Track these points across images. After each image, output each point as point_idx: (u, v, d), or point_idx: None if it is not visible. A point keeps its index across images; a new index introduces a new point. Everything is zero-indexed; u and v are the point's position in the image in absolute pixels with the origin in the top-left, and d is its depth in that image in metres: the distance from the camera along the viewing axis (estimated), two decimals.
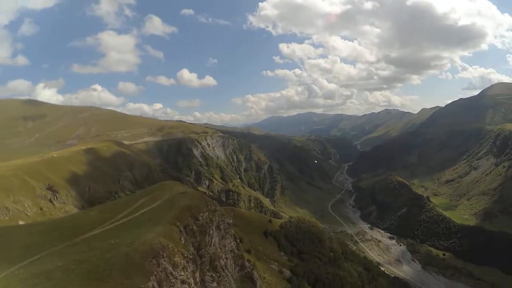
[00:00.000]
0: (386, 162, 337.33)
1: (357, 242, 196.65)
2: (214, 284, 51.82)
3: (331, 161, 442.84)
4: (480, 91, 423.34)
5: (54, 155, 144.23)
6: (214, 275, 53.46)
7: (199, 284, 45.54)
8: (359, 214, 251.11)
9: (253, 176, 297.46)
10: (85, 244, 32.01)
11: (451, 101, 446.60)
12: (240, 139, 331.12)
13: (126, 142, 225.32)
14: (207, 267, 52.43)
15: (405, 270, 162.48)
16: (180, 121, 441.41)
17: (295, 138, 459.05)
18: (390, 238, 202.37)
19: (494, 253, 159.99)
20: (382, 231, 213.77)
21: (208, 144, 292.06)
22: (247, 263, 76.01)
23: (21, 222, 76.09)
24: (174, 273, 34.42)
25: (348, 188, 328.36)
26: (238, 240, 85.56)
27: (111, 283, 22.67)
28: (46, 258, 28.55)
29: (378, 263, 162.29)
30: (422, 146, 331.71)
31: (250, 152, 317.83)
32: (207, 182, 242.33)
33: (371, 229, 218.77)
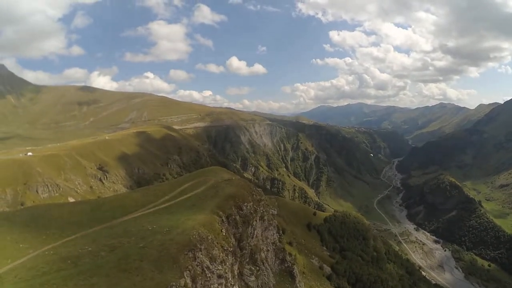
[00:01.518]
0: (438, 160, 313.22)
1: (401, 242, 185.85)
2: (253, 278, 49.41)
3: (381, 155, 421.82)
4: None
5: (107, 137, 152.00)
6: (253, 268, 51.05)
7: (236, 277, 43.29)
8: (405, 213, 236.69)
9: (299, 165, 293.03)
10: (121, 228, 30.97)
11: (511, 98, 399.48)
12: (288, 128, 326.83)
13: (176, 127, 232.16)
14: (247, 260, 50.09)
15: (447, 278, 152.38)
16: (229, 108, 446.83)
17: (344, 129, 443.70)
18: (435, 241, 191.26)
19: None
20: (428, 234, 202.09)
21: (255, 131, 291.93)
22: (288, 257, 72.86)
23: (70, 199, 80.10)
24: (211, 267, 32.17)
25: (396, 184, 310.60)
26: (281, 232, 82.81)
27: (140, 277, 20.75)
28: (80, 240, 27.81)
29: (420, 267, 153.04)
30: (478, 145, 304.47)
31: (297, 141, 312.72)
32: (253, 169, 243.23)
33: (416, 230, 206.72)
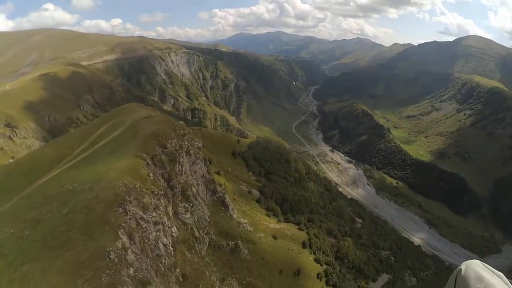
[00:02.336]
0: (352, 90, 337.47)
1: (318, 162, 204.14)
2: (188, 215, 48.74)
3: (298, 83, 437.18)
4: (455, 38, 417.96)
5: (8, 88, 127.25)
6: (187, 205, 50.13)
7: (172, 218, 41.74)
8: (321, 137, 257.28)
9: (219, 94, 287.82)
10: (40, 194, 25.84)
11: (424, 42, 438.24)
12: (206, 56, 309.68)
13: (84, 63, 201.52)
14: (179, 198, 48.64)
15: (360, 193, 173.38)
16: (142, 37, 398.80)
17: (263, 57, 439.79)
18: (349, 161, 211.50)
19: (444, 191, 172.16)
20: (342, 155, 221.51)
21: (172, 61, 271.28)
22: (218, 187, 73.99)
23: None
24: (145, 216, 29.66)
25: (313, 110, 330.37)
26: (208, 163, 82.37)
27: (72, 251, 17.32)
28: None
29: (336, 184, 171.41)
30: (389, 79, 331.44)
31: (216, 69, 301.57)
32: (172, 101, 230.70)
33: (331, 151, 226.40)
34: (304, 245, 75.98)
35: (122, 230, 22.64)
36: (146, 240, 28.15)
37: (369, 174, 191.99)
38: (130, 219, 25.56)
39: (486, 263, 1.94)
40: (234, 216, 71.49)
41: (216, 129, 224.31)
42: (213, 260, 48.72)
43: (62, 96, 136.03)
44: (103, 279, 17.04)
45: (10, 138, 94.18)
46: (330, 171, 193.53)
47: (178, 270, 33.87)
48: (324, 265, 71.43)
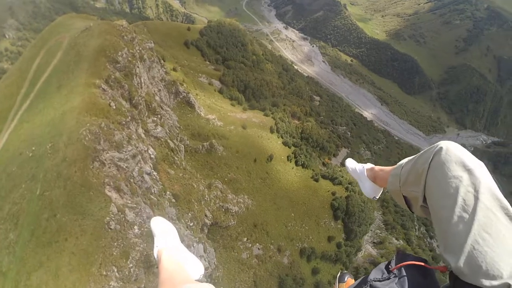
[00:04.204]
0: None
1: (272, 41, 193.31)
2: (159, 129, 45.95)
3: None
4: None
5: None
6: (155, 118, 46.68)
7: (145, 139, 39.00)
8: (274, 13, 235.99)
9: None
10: (3, 174, 20.69)
11: None
12: None
13: None
14: (146, 114, 44.60)
15: (316, 70, 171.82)
16: None
17: None
18: (304, 38, 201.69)
19: (397, 71, 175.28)
20: (296, 31, 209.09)
21: None
22: (180, 88, 68.84)
23: None
24: (122, 156, 26.80)
25: None
26: (163, 61, 74.22)
27: (70, 239, 15.17)
28: None
29: (292, 62, 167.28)
30: None
31: None
32: None
33: (286, 28, 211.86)
34: (271, 130, 78.59)
35: (108, 187, 20.15)
36: (131, 180, 26.18)
37: (324, 51, 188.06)
38: (109, 167, 22.71)
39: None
40: (202, 114, 69.36)
41: (160, 19, 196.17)
42: (193, 166, 49.07)
43: None
44: (114, 253, 15.74)
45: None
46: (285, 49, 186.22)
47: (168, 192, 33.52)
48: (292, 147, 76.08)
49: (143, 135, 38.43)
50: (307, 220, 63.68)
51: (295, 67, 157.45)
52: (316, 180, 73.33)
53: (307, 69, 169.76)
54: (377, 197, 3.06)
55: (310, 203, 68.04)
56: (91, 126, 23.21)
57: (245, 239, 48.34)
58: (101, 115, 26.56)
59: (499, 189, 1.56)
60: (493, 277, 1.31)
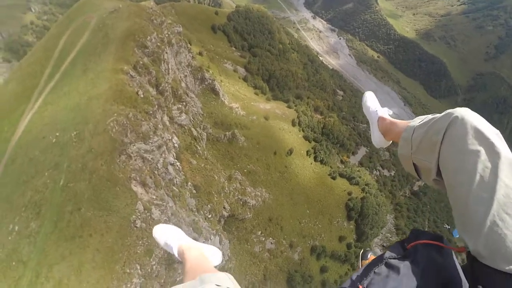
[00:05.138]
0: None
1: (299, 30, 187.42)
2: (183, 116, 45.40)
3: None
4: None
5: None
6: (180, 105, 46.05)
7: (169, 127, 38.56)
8: (303, 1, 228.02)
9: None
10: (25, 158, 20.55)
11: None
12: None
13: None
14: (171, 101, 44.01)
15: (341, 63, 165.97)
16: None
17: None
18: (331, 30, 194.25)
19: (424, 72, 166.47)
20: (324, 22, 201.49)
21: None
22: (206, 74, 67.92)
23: None
24: (148, 147, 26.42)
25: None
26: (189, 45, 73.13)
27: (95, 236, 14.87)
28: None
29: (318, 53, 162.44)
30: None
31: None
32: None
33: (313, 18, 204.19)
34: (293, 123, 77.09)
35: (134, 182, 19.78)
36: (156, 172, 25.83)
37: (351, 45, 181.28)
38: (135, 160, 22.32)
39: None
40: (226, 102, 68.46)
41: (187, 0, 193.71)
42: (214, 155, 48.65)
43: (6, 4, 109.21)
44: (138, 251, 15.45)
45: None
46: (312, 39, 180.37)
47: (189, 183, 33.18)
48: (312, 141, 74.51)
49: (167, 123, 38.05)
50: (321, 218, 62.82)
51: (321, 58, 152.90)
52: (334, 178, 71.94)
53: (332, 62, 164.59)
54: (384, 148, 2.61)
55: (325, 201, 66.97)
56: (118, 116, 22.66)
57: (259, 232, 48.10)
58: (128, 104, 26.00)
59: None
60: None
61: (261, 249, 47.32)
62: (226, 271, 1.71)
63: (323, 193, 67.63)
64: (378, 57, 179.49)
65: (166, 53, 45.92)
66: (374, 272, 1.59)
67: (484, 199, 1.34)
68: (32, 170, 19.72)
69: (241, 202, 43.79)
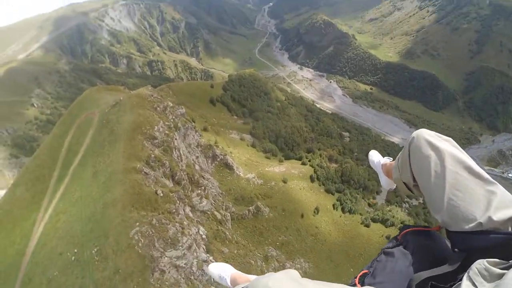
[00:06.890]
0: (309, 1, 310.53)
1: (290, 83, 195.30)
2: (204, 202, 43.70)
3: (250, 5, 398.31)
4: None
5: None
6: (199, 191, 44.60)
7: (193, 218, 36.63)
8: (287, 56, 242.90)
9: (172, 38, 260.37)
10: (44, 280, 18.75)
11: None
12: (146, 1, 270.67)
13: (21, 57, 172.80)
14: (190, 188, 42.80)
15: (338, 105, 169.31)
16: (70, 4, 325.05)
17: None
18: (320, 76, 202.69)
19: (417, 90, 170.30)
20: (312, 70, 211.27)
21: (112, 18, 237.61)
22: (217, 150, 67.94)
23: None
24: (178, 253, 24.17)
25: (272, 31, 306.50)
26: (193, 123, 74.25)
27: None
28: None
29: (313, 101, 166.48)
30: None
31: (161, 12, 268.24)
32: (125, 61, 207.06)
33: (301, 69, 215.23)
34: (312, 179, 74.74)
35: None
36: (192, 277, 23.37)
37: (342, 85, 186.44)
38: (169, 272, 20.19)
39: (467, 154, 2.03)
40: (241, 174, 67.27)
41: (179, 77, 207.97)
42: (242, 234, 45.77)
43: (10, 101, 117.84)
44: None
45: None
46: (304, 89, 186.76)
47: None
48: (335, 193, 71.34)
49: (190, 214, 36.34)
50: None
51: (317, 105, 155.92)
52: (367, 226, 66.99)
53: (329, 105, 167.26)
54: (393, 189, 3.18)
55: (366, 253, 61.21)
56: (141, 226, 21.15)
57: None
58: (149, 208, 24.64)
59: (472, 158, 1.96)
60: (469, 221, 1.68)
61: None
62: None
63: (361, 245, 62.26)
64: (371, 89, 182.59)
65: (176, 139, 46.09)
66: (376, 260, 2.07)
67: (440, 185, 1.87)
68: None
69: None
